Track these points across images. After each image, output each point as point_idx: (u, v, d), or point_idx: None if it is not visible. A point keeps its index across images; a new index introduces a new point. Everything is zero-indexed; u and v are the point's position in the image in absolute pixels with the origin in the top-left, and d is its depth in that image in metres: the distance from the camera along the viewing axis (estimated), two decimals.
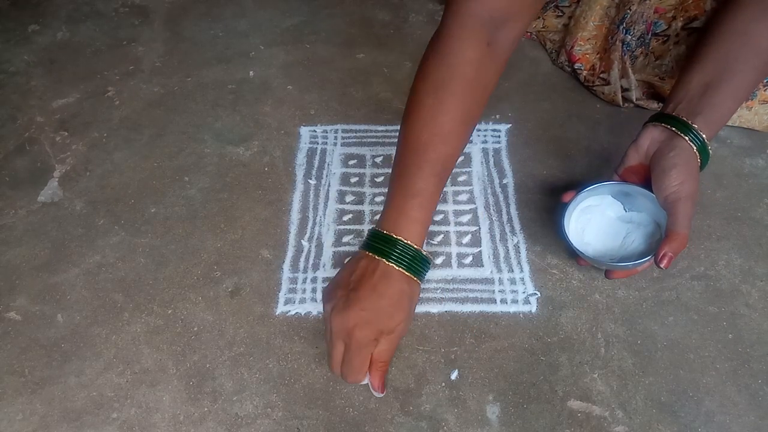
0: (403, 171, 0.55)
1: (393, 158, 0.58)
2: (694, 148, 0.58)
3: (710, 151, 0.59)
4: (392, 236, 0.53)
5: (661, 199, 0.58)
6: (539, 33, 0.93)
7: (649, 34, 0.78)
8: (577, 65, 0.85)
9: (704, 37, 0.64)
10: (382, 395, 0.54)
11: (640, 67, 0.81)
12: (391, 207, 0.55)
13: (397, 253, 0.52)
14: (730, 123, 0.79)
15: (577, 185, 0.65)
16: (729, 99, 0.60)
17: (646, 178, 0.61)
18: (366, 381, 0.53)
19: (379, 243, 0.53)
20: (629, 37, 0.78)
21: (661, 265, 0.55)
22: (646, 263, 0.60)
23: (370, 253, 0.53)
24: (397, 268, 0.52)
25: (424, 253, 0.54)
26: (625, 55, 0.80)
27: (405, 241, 0.53)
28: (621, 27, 0.78)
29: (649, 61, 0.80)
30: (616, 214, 0.65)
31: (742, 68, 0.60)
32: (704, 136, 0.58)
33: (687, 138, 0.58)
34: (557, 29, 0.90)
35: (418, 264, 0.53)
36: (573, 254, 0.65)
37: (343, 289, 0.52)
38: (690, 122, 0.58)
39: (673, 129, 0.59)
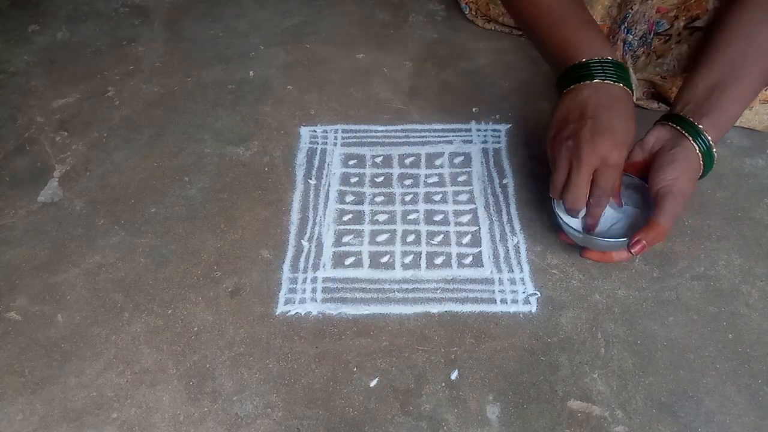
0: (558, 16, 0.61)
1: (532, 29, 0.64)
2: (697, 149, 0.58)
3: (715, 155, 0.59)
4: (598, 58, 0.58)
5: (654, 191, 0.59)
6: None
7: (651, 34, 0.78)
8: None
9: (709, 39, 0.64)
10: (623, 208, 0.62)
11: (641, 66, 0.81)
12: (574, 42, 0.60)
13: (611, 71, 0.57)
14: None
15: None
16: (735, 101, 0.60)
17: (647, 173, 0.61)
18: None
19: (588, 69, 0.58)
20: (630, 36, 0.78)
21: (633, 251, 0.56)
22: (621, 246, 0.59)
23: (589, 82, 0.57)
24: (618, 84, 0.57)
25: (623, 63, 0.59)
26: (626, 54, 0.80)
27: (608, 59, 0.58)
28: (622, 26, 0.78)
29: (650, 60, 0.80)
30: (609, 204, 0.65)
31: (747, 71, 0.60)
32: (710, 138, 0.58)
33: (691, 138, 0.58)
34: None
35: (626, 75, 0.59)
36: (556, 229, 0.65)
37: (578, 120, 0.57)
38: (696, 123, 0.58)
39: (679, 128, 0.59)
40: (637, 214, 0.64)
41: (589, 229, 0.62)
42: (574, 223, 0.62)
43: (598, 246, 0.61)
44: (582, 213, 0.62)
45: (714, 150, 0.59)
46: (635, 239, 0.56)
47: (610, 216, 0.64)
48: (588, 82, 0.58)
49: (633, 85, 0.59)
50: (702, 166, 0.59)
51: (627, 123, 0.57)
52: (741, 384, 0.57)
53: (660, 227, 0.56)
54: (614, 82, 0.58)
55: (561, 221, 0.61)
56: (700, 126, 0.58)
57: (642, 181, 0.62)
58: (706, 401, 0.56)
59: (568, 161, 0.57)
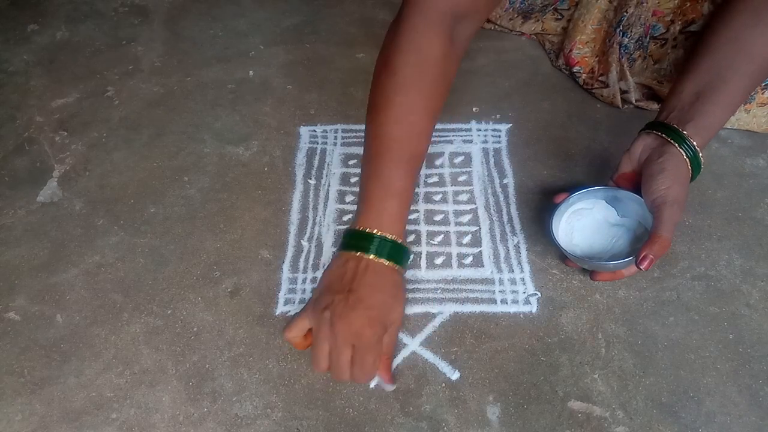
0: (378, 169, 0.56)
1: (363, 154, 0.59)
2: (684, 155, 0.58)
3: (702, 160, 0.59)
4: (376, 233, 0.55)
5: (649, 203, 0.59)
6: (538, 36, 0.93)
7: (647, 37, 0.78)
8: (576, 68, 0.85)
9: (698, 45, 0.64)
10: (393, 387, 0.57)
11: (638, 70, 0.81)
12: (370, 205, 0.56)
13: (384, 248, 0.54)
14: (728, 126, 0.79)
15: (576, 186, 0.65)
16: (720, 106, 0.60)
17: (638, 184, 0.61)
18: (375, 380, 0.54)
19: (364, 241, 0.54)
20: (626, 39, 0.78)
21: (641, 267, 0.55)
22: (629, 265, 0.59)
23: (357, 253, 0.54)
24: (387, 263, 0.54)
25: (405, 244, 0.56)
26: (622, 57, 0.79)
27: (389, 236, 0.55)
28: (618, 30, 0.78)
29: (647, 65, 0.80)
30: (606, 218, 0.65)
31: (734, 75, 0.60)
32: (695, 143, 0.58)
33: (677, 145, 0.58)
34: (556, 32, 0.90)
35: (401, 255, 0.56)
36: (562, 256, 0.65)
37: (339, 293, 0.53)
38: (681, 129, 0.59)
39: (664, 136, 0.59)
40: (637, 225, 0.64)
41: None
42: (578, 251, 0.63)
43: (607, 268, 0.61)
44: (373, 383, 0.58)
45: (701, 155, 0.59)
46: (642, 255, 0.55)
47: (609, 232, 0.64)
48: (356, 253, 0.54)
49: (406, 265, 0.57)
50: (690, 171, 0.59)
51: (387, 299, 0.54)
52: (742, 384, 0.57)
53: (663, 239, 0.56)
54: (384, 259, 0.54)
55: (564, 251, 0.61)
56: (685, 132, 0.58)
57: (628, 191, 0.62)
58: (706, 401, 0.56)
59: (326, 335, 0.52)
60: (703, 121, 0.59)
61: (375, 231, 0.55)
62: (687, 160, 0.58)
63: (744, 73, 0.60)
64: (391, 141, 0.56)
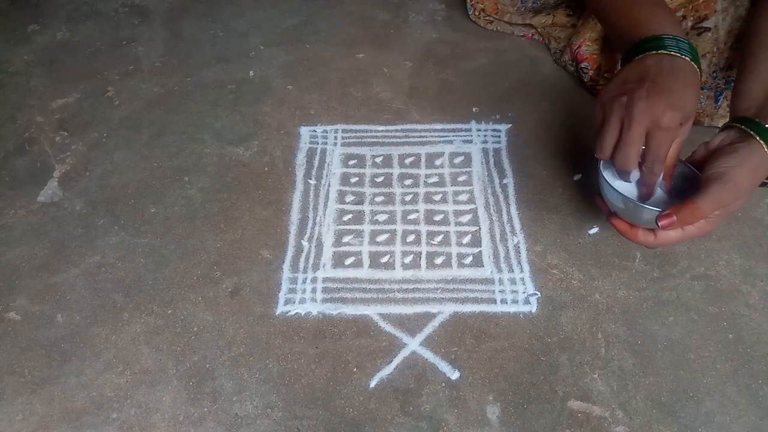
0: None
1: (605, 8, 0.66)
2: (765, 147, 0.54)
3: None
4: (668, 35, 0.57)
5: (703, 177, 0.54)
6: (545, 30, 0.92)
7: None
8: (583, 64, 0.85)
9: (750, 46, 0.63)
10: (667, 190, 0.59)
11: None
12: (645, 19, 0.60)
13: (678, 46, 0.56)
14: None
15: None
16: None
17: (698, 167, 0.57)
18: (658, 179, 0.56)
19: (663, 41, 0.56)
20: None
21: (660, 224, 0.52)
22: (652, 215, 0.53)
23: (657, 52, 0.56)
24: (687, 58, 0.55)
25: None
26: None
27: (679, 37, 0.57)
28: None
29: None
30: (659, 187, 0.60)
31: None
32: None
33: (758, 136, 0.54)
34: (565, 26, 0.90)
35: (695, 54, 0.57)
36: (597, 190, 0.60)
37: (637, 82, 0.54)
38: (764, 123, 0.55)
39: (743, 127, 0.56)
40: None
41: (642, 200, 0.58)
42: (621, 186, 0.57)
43: (635, 213, 0.56)
44: (634, 178, 0.57)
45: None
46: (666, 212, 0.52)
47: (657, 201, 0.59)
48: (654, 52, 0.56)
49: (701, 66, 0.58)
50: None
51: (687, 91, 0.54)
52: (741, 384, 0.57)
53: (696, 207, 0.52)
54: (682, 56, 0.56)
55: (604, 181, 0.57)
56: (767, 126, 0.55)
57: (697, 172, 0.56)
58: (706, 401, 0.56)
59: (620, 119, 0.54)
60: None
61: (665, 34, 0.57)
62: None
63: None
64: None
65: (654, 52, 0.56)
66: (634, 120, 0.52)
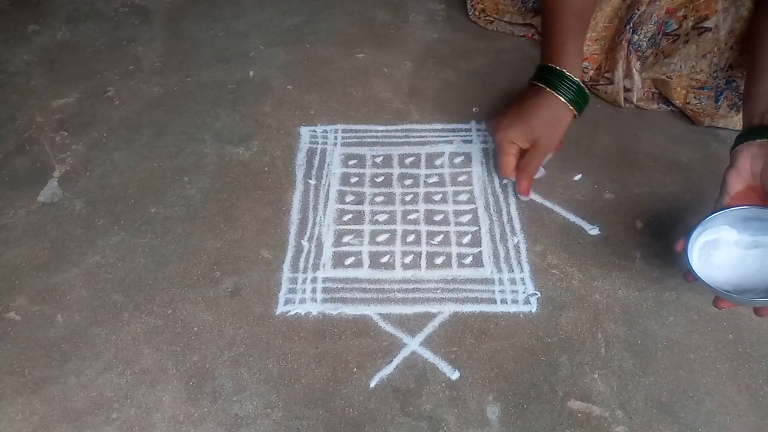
0: (556, 15, 0.70)
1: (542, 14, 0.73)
2: None
3: None
4: (557, 69, 0.67)
5: None
6: None
7: (660, 35, 0.78)
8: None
9: (757, 49, 0.63)
10: (528, 198, 0.72)
11: (648, 65, 0.81)
12: (563, 49, 0.68)
13: (564, 86, 0.67)
14: (731, 127, 0.79)
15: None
16: None
17: (761, 198, 0.56)
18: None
19: (549, 75, 0.68)
20: (636, 37, 0.78)
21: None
22: (751, 305, 0.53)
23: (542, 86, 0.68)
24: (562, 99, 0.67)
25: (585, 89, 0.69)
26: (630, 54, 0.80)
27: (570, 76, 0.67)
28: (628, 27, 0.78)
29: (658, 60, 0.80)
30: (738, 242, 0.58)
31: None
32: None
33: None
34: None
35: (581, 97, 0.68)
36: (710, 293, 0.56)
37: (513, 114, 0.70)
38: None
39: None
40: None
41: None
42: (730, 288, 0.55)
43: (755, 304, 0.54)
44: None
45: None
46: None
47: (750, 257, 0.57)
48: (537, 83, 0.69)
49: (581, 109, 0.69)
50: None
51: (540, 124, 0.68)
52: (741, 384, 0.57)
53: None
54: (564, 98, 0.67)
55: (723, 295, 0.53)
56: None
57: (757, 207, 0.55)
58: (706, 401, 0.56)
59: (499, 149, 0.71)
60: None
61: (569, 72, 0.67)
62: None
63: None
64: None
65: (537, 83, 0.69)
66: (502, 148, 0.70)
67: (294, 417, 0.56)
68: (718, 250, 0.58)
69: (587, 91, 0.69)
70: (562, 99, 0.67)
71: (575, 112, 0.68)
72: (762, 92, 0.60)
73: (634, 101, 0.82)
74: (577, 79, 0.67)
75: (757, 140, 0.56)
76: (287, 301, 0.64)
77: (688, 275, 0.57)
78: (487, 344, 0.60)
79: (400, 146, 0.80)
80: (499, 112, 0.73)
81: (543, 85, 0.68)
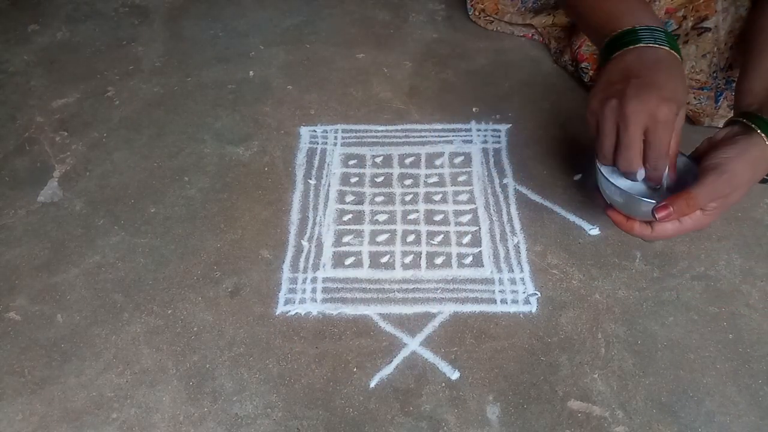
0: None
1: (577, 7, 0.64)
2: (766, 141, 0.53)
3: None
4: (646, 26, 0.56)
5: (701, 167, 0.54)
6: (545, 30, 0.92)
7: None
8: (584, 64, 0.85)
9: (751, 46, 0.63)
10: (672, 183, 0.57)
11: None
12: (619, 12, 0.59)
13: (654, 37, 0.55)
14: None
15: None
16: None
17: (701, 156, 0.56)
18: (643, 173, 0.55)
19: (637, 34, 0.56)
20: None
21: (657, 216, 0.52)
22: (648, 207, 0.53)
23: (635, 46, 0.55)
24: (666, 48, 0.55)
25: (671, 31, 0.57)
26: None
27: (654, 27, 0.56)
28: None
29: None
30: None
31: None
32: None
33: (760, 130, 0.54)
34: (566, 27, 0.90)
35: (673, 42, 0.56)
36: (595, 187, 0.60)
37: (623, 82, 0.53)
38: (765, 117, 0.54)
39: (744, 120, 0.55)
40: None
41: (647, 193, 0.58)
42: (618, 180, 0.56)
43: (633, 206, 0.55)
44: (641, 176, 0.56)
45: None
46: (662, 204, 0.52)
47: (655, 195, 0.58)
48: (632, 47, 0.56)
49: (681, 53, 0.57)
50: None
51: (674, 81, 0.54)
52: (741, 384, 0.57)
53: (691, 198, 0.51)
54: (660, 45, 0.55)
55: (601, 176, 0.56)
56: None
57: (695, 162, 0.56)
58: (706, 401, 0.56)
59: (614, 123, 0.53)
60: None
61: (640, 25, 0.56)
62: None
63: None
64: None
65: (632, 47, 0.56)
66: (630, 121, 0.52)
67: (294, 417, 0.56)
68: (630, 180, 0.57)
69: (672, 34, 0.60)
70: (667, 48, 0.56)
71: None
72: (748, 89, 0.60)
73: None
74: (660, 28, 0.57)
75: (740, 121, 0.56)
76: (287, 301, 0.64)
77: (596, 192, 0.59)
78: (487, 344, 0.60)
79: (400, 146, 0.80)
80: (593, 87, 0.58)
81: (637, 45, 0.56)
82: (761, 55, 0.61)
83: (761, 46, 0.62)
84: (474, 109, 0.84)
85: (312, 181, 0.75)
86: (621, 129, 0.53)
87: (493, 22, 0.97)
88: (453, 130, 0.82)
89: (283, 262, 0.67)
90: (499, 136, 0.81)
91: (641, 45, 0.55)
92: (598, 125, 0.55)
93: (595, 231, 0.69)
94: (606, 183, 0.56)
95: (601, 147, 0.55)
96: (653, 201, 0.53)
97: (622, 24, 0.58)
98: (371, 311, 0.63)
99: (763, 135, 0.53)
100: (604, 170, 0.57)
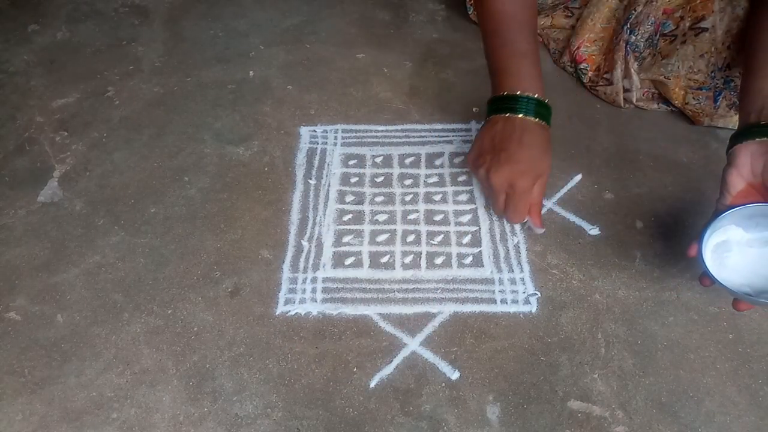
0: (501, 40, 0.64)
1: (483, 45, 0.67)
2: None
3: None
4: (518, 94, 0.62)
5: None
6: (544, 31, 0.93)
7: (657, 35, 0.78)
8: (582, 65, 0.85)
9: (755, 45, 0.63)
10: (543, 231, 0.67)
11: (647, 66, 0.81)
12: (505, 71, 0.64)
13: (530, 106, 0.62)
14: (730, 126, 0.79)
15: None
16: None
17: (762, 195, 0.56)
18: (525, 220, 0.66)
19: (508, 103, 0.62)
20: (634, 37, 0.78)
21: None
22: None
23: (506, 114, 0.62)
24: (534, 119, 0.61)
25: (545, 100, 0.63)
26: (628, 55, 0.80)
27: (529, 95, 0.62)
28: (625, 27, 0.78)
29: (655, 61, 0.80)
30: (752, 240, 0.57)
31: None
32: None
33: None
34: (564, 28, 0.90)
35: (545, 110, 0.63)
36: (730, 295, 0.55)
37: (490, 152, 0.62)
38: None
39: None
40: None
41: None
42: (743, 288, 0.54)
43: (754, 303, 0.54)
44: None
45: None
46: None
47: (764, 254, 0.56)
48: (505, 115, 0.63)
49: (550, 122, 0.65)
50: None
51: (534, 152, 0.62)
52: (741, 384, 0.57)
53: None
54: (531, 116, 0.62)
55: (744, 298, 0.53)
56: None
57: (760, 203, 0.55)
58: (706, 401, 0.56)
59: (485, 188, 0.66)
60: None
61: (518, 92, 0.62)
62: None
63: None
64: (505, 15, 0.64)
65: (505, 115, 0.63)
66: (493, 189, 0.63)
67: (294, 417, 0.56)
68: (731, 251, 0.57)
69: (546, 101, 0.64)
70: (531, 118, 0.62)
71: (547, 126, 0.64)
72: (758, 88, 0.59)
73: (634, 101, 0.82)
74: (535, 95, 0.63)
75: (756, 139, 0.56)
76: (287, 301, 0.64)
77: (705, 279, 0.57)
78: (487, 344, 0.60)
79: (400, 146, 0.80)
80: (469, 151, 0.66)
81: (507, 114, 0.62)
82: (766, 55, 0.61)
83: (766, 45, 0.61)
84: (474, 109, 0.84)
85: (312, 181, 0.75)
86: (488, 192, 0.66)
87: None
88: (453, 130, 0.82)
89: (283, 262, 0.67)
90: None
91: (508, 114, 0.62)
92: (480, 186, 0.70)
93: (595, 231, 0.69)
94: (738, 294, 0.53)
95: (494, 208, 0.67)
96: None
97: (505, 86, 0.63)
98: (371, 311, 0.63)
99: None
100: (713, 269, 0.54)
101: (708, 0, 0.73)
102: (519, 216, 0.64)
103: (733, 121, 0.78)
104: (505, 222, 0.71)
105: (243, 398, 0.57)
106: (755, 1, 0.70)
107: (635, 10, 0.76)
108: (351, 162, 0.78)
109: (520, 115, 0.62)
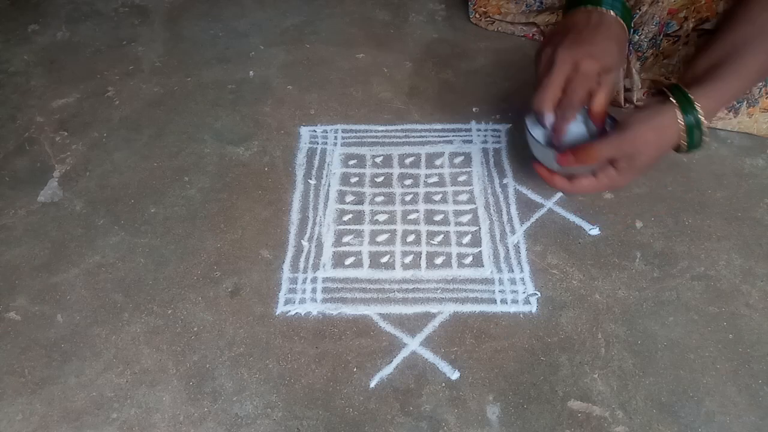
0: None
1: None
2: (679, 115, 0.57)
3: (705, 131, 0.58)
4: None
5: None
6: (548, 28, 0.92)
7: (661, 35, 0.78)
8: None
9: (716, 30, 0.64)
10: (596, 130, 0.63)
11: (648, 66, 0.81)
12: None
13: (612, 3, 0.60)
14: (729, 128, 0.79)
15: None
16: (734, 75, 0.59)
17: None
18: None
19: None
20: (637, 37, 0.78)
21: (559, 161, 0.58)
22: (547, 151, 0.61)
23: (589, 6, 0.61)
24: (613, 14, 0.60)
25: (629, 2, 0.61)
26: (631, 54, 0.80)
27: None
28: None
29: (657, 61, 0.80)
30: (587, 127, 0.67)
31: (749, 50, 0.59)
32: (700, 106, 0.57)
33: (675, 101, 0.57)
34: None
35: (628, 15, 0.61)
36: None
37: (563, 35, 0.60)
38: (688, 92, 0.57)
39: (668, 94, 0.58)
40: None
41: (553, 142, 0.64)
42: (536, 132, 0.63)
43: (545, 155, 0.61)
44: (549, 122, 0.63)
45: (704, 125, 0.57)
46: (565, 152, 0.58)
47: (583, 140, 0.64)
48: (584, 7, 0.61)
49: (631, 29, 0.63)
50: (686, 138, 0.58)
51: (609, 43, 0.59)
52: (741, 384, 0.57)
53: (592, 149, 0.57)
54: (608, 11, 0.60)
55: (525, 127, 0.61)
56: (692, 96, 0.57)
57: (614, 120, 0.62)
58: (706, 401, 0.56)
59: (547, 62, 0.61)
60: (713, 87, 0.58)
61: None
62: (682, 123, 0.57)
63: (760, 51, 0.59)
64: None
65: (585, 7, 0.61)
66: (555, 66, 0.59)
67: (294, 417, 0.56)
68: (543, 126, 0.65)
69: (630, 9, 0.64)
70: (614, 14, 0.61)
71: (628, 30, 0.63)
72: (696, 64, 0.61)
73: (634, 101, 0.82)
74: None
75: (663, 90, 0.59)
76: (287, 301, 0.64)
77: (539, 167, 0.65)
78: (487, 344, 0.60)
79: (400, 146, 0.80)
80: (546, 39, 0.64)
81: (589, 6, 0.62)
82: (717, 36, 0.62)
83: (723, 27, 0.62)
84: (474, 109, 0.84)
85: (312, 181, 0.75)
86: (548, 72, 0.60)
87: (494, 22, 0.97)
88: (453, 130, 0.82)
89: (283, 262, 0.67)
90: (499, 136, 0.81)
91: (591, 7, 0.61)
92: (536, 71, 0.63)
93: (595, 231, 0.69)
94: (528, 134, 0.62)
95: (539, 81, 0.62)
96: (550, 148, 0.59)
97: None
98: (371, 311, 0.63)
99: (675, 103, 0.57)
100: (529, 122, 0.62)
101: (712, 1, 0.73)
102: (572, 105, 0.60)
103: (732, 123, 0.78)
104: (506, 222, 0.70)
105: (243, 398, 0.57)
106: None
107: (640, 10, 0.76)
108: (351, 162, 0.78)
109: (603, 9, 0.61)
